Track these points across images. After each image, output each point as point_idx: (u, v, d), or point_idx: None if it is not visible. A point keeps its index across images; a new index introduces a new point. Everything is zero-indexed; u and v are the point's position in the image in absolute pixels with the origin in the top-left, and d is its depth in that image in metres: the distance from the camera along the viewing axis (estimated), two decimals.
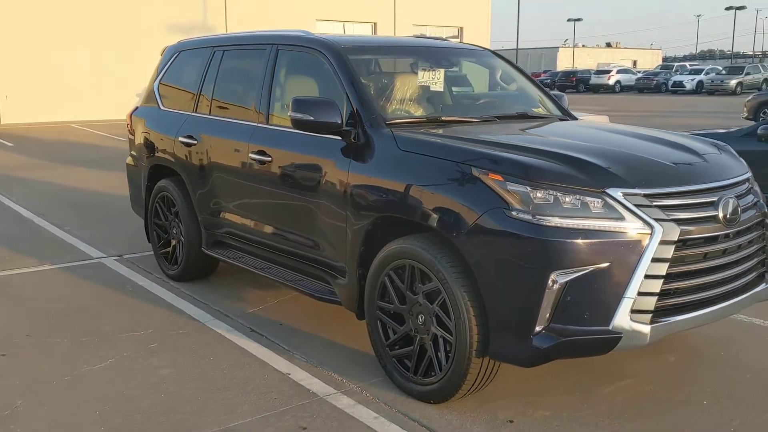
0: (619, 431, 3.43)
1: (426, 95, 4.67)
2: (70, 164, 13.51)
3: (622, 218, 3.17)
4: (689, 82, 44.20)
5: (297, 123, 4.13)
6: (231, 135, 5.07)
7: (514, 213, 3.19)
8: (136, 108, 6.49)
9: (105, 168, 12.80)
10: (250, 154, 4.76)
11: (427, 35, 4.67)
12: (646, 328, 3.17)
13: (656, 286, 3.17)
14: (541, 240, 3.11)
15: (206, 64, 5.57)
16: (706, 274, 3.37)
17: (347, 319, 4.77)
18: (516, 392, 3.80)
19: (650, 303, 3.18)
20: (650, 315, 3.18)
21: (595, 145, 3.74)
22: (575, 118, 4.90)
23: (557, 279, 3.12)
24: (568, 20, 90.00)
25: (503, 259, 3.22)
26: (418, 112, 4.50)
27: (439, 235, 3.54)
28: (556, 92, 5.23)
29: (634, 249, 3.15)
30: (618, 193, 3.20)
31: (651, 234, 3.16)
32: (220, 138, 5.17)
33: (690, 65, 55.36)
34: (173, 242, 5.87)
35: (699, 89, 43.17)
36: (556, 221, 3.13)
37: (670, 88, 45.35)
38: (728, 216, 3.40)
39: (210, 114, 5.42)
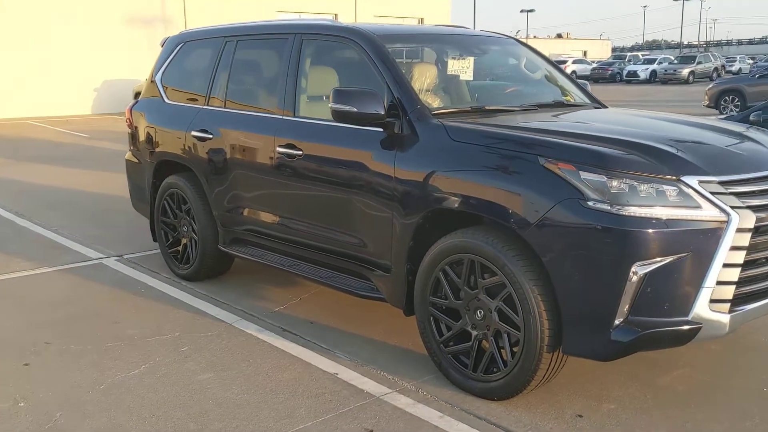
0: (691, 421, 3.38)
1: (458, 84, 4.57)
2: (35, 162, 13.03)
3: (698, 206, 3.11)
4: (643, 71, 45.03)
5: (339, 115, 3.98)
6: (253, 129, 4.88)
7: (590, 203, 3.11)
8: (136, 101, 6.24)
9: (72, 165, 12.40)
10: (278, 148, 4.59)
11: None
12: (725, 318, 3.13)
13: (734, 274, 3.13)
14: (621, 230, 3.04)
15: (217, 55, 5.36)
16: None
17: (380, 314, 4.70)
18: (575, 385, 3.74)
19: (729, 292, 3.14)
20: (729, 304, 3.14)
21: (660, 132, 3.68)
22: (605, 106, 4.85)
23: (637, 270, 3.05)
24: (521, 11, 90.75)
25: (580, 251, 3.14)
26: (454, 101, 4.39)
27: (504, 228, 3.44)
28: (581, 80, 5.18)
29: (712, 238, 3.10)
30: (694, 180, 3.15)
31: (728, 222, 3.11)
32: (241, 132, 4.98)
33: (642, 55, 56.40)
34: (184, 241, 5.66)
35: (653, 78, 44.02)
36: (634, 211, 3.06)
37: (624, 77, 46.13)
38: None
39: (225, 107, 5.22)
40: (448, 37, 5.00)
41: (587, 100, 4.83)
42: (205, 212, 5.36)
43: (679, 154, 3.27)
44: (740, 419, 3.40)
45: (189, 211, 5.53)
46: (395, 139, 3.94)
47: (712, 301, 3.12)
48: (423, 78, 4.39)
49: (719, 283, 3.11)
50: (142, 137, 6.00)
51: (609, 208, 3.07)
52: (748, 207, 3.18)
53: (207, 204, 5.34)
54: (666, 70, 43.39)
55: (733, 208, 3.14)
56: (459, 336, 3.73)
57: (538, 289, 3.29)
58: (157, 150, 5.79)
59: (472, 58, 4.68)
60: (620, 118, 4.34)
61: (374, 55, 4.19)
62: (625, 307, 3.10)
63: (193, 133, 5.32)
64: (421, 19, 34.95)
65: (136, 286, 5.58)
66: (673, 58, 48.71)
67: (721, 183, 3.19)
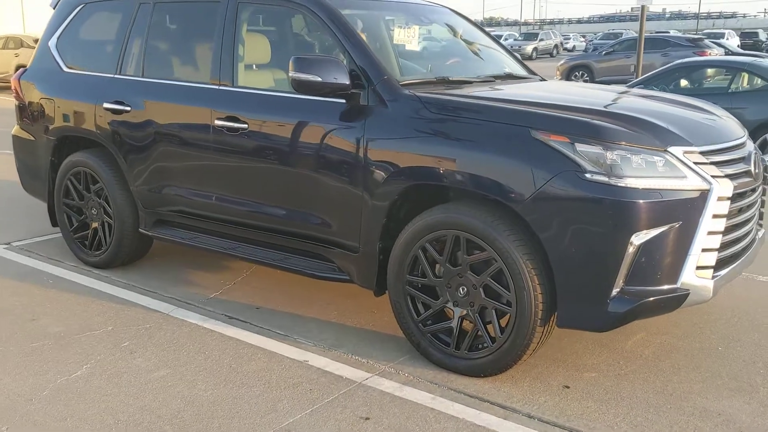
0: (669, 384, 3.50)
1: (407, 54, 4.42)
2: None
3: (684, 176, 3.18)
4: None
5: (301, 84, 3.71)
6: (182, 100, 4.48)
7: (587, 175, 3.09)
8: (24, 70, 5.55)
9: None
10: (216, 121, 4.24)
11: None
12: (710, 283, 3.24)
13: (716, 241, 3.24)
14: (621, 201, 3.05)
15: (131, 20, 4.86)
16: (741, 228, 3.51)
17: (328, 295, 4.59)
18: (549, 356, 3.76)
19: (712, 258, 3.25)
20: (711, 270, 3.26)
21: (634, 104, 3.74)
22: (544, 79, 4.88)
23: (634, 241, 3.08)
24: None
25: (579, 224, 3.12)
26: (411, 72, 4.24)
27: (493, 202, 3.36)
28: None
29: (697, 206, 3.19)
30: (679, 151, 3.21)
31: (710, 190, 3.21)
32: (167, 103, 4.56)
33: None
34: (94, 225, 5.13)
35: None
36: (631, 182, 3.08)
37: None
38: (755, 170, 3.56)
39: (144, 77, 4.75)
40: (393, 4, 4.82)
41: (528, 73, 4.84)
42: (122, 192, 4.88)
43: (663, 125, 3.32)
44: (711, 378, 3.56)
45: (100, 192, 5.02)
46: (361, 111, 3.74)
47: (697, 267, 3.22)
48: (374, 47, 4.20)
49: (704, 250, 3.21)
50: (35, 110, 5.36)
51: (607, 179, 3.07)
52: (726, 176, 3.30)
53: (124, 183, 4.87)
54: (512, 47, 45.22)
55: (713, 177, 3.24)
56: (437, 315, 3.63)
57: (532, 263, 3.25)
58: (56, 125, 5.20)
59: (417, 27, 4.53)
60: (585, 91, 4.39)
61: (331, 21, 3.95)
62: (621, 277, 3.12)
63: (106, 105, 4.81)
64: None
65: (41, 276, 5.01)
66: (517, 34, 50.83)
67: (702, 153, 3.29)
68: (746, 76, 8.29)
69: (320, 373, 3.60)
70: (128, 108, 4.70)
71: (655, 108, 3.74)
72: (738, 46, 33.78)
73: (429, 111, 3.55)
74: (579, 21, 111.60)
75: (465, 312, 3.51)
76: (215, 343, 3.95)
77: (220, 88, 4.30)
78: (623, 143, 3.15)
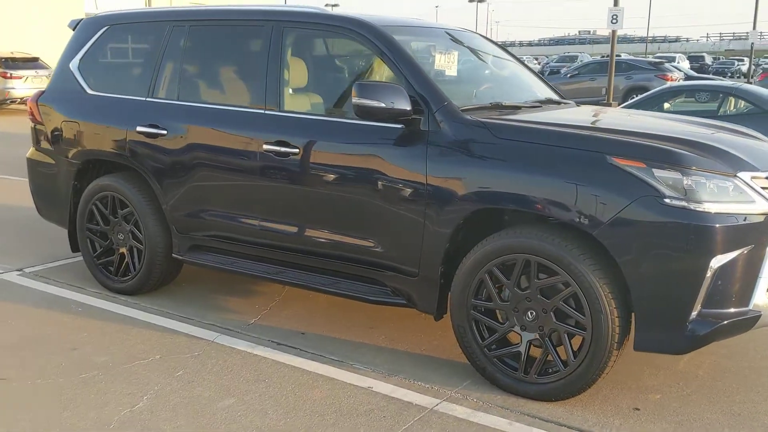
0: (735, 404, 3.57)
1: (446, 80, 4.46)
2: None
3: (753, 201, 3.28)
4: None
5: (363, 110, 3.72)
6: (225, 124, 4.43)
7: (667, 200, 3.16)
8: (42, 92, 5.42)
9: None
10: (264, 146, 4.20)
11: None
12: None
13: None
14: (702, 226, 3.12)
15: (163, 42, 4.80)
16: None
17: (370, 319, 4.64)
18: (610, 378, 3.79)
19: None
20: None
21: (693, 130, 3.83)
22: (578, 104, 4.97)
23: (713, 264, 3.15)
24: (326, 5, 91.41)
25: (659, 248, 3.18)
26: (463, 97, 4.27)
27: (566, 227, 3.40)
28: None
29: (765, 230, 3.28)
30: (747, 176, 3.31)
31: None
32: (208, 128, 4.50)
33: None
34: (122, 250, 5.01)
35: None
36: (708, 207, 3.16)
37: None
38: None
39: (180, 100, 4.69)
40: (429, 30, 4.85)
41: (560, 97, 4.92)
42: (155, 217, 4.79)
43: (731, 151, 3.42)
44: None
45: (129, 217, 4.91)
46: (421, 137, 3.75)
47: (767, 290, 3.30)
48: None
49: None
50: (55, 134, 5.22)
51: (686, 204, 3.14)
52: None
53: (157, 208, 4.77)
54: None
55: None
56: (501, 339, 3.64)
57: (608, 287, 3.29)
58: (80, 148, 5.08)
59: (456, 53, 4.58)
60: (640, 118, 4.49)
61: (386, 47, 3.96)
62: (700, 301, 3.19)
63: (139, 128, 4.72)
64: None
65: (67, 304, 4.86)
66: None
67: (767, 178, 3.39)
68: (733, 100, 8.58)
69: (388, 399, 3.58)
70: (164, 132, 4.62)
71: (714, 134, 3.84)
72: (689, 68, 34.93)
73: (496, 136, 3.58)
74: (530, 44, 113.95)
75: (534, 336, 3.53)
76: (271, 370, 3.89)
77: (267, 112, 4.26)
78: (697, 169, 3.23)
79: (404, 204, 3.79)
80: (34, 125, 5.42)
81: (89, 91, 5.12)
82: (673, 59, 39.07)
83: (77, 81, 5.19)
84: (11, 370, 3.86)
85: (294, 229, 4.23)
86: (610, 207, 3.24)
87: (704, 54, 59.27)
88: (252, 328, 4.48)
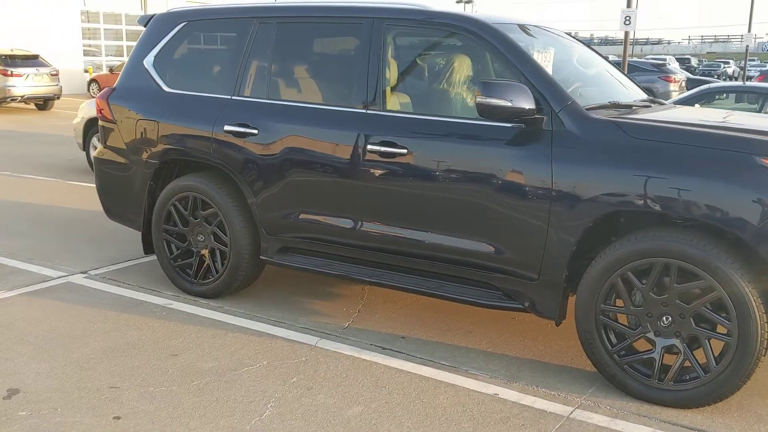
0: None
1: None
2: None
3: None
4: None
5: (488, 109, 3.62)
6: (324, 123, 4.31)
7: None
8: (113, 90, 5.27)
9: None
10: (369, 147, 4.09)
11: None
12: None
13: None
14: None
15: (248, 39, 4.67)
16: None
17: (460, 321, 4.59)
18: None
19: None
20: None
21: None
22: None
23: None
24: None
25: None
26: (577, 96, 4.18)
27: (707, 229, 3.33)
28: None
29: None
30: None
31: None
32: (304, 127, 4.37)
33: None
34: (204, 252, 4.87)
35: None
36: None
37: None
38: None
39: (270, 98, 4.56)
40: (532, 29, 4.75)
41: (656, 97, 4.84)
42: (242, 218, 4.65)
43: None
44: None
45: (211, 218, 4.77)
46: (545, 137, 3.66)
47: None
48: None
49: None
50: (130, 133, 5.07)
51: None
52: None
53: (244, 209, 4.64)
54: None
55: None
56: (629, 345, 3.57)
57: (757, 291, 3.22)
58: (158, 148, 4.92)
59: (552, 50, 4.49)
60: (757, 117, 4.43)
61: (504, 46, 3.87)
62: None
63: (227, 127, 4.59)
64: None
65: (148, 308, 4.72)
66: None
67: None
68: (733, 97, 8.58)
69: (519, 407, 3.48)
70: (254, 131, 4.49)
71: None
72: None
73: (629, 136, 3.50)
74: None
75: (670, 342, 3.45)
76: (387, 376, 3.78)
77: (370, 112, 4.15)
78: None
79: (526, 206, 3.69)
80: (104, 124, 5.26)
81: (166, 89, 4.98)
82: (664, 61, 39.36)
83: (153, 78, 5.04)
84: (116, 378, 3.72)
85: (397, 231, 4.12)
86: (763, 209, 3.16)
87: (689, 56, 59.75)
88: (349, 331, 4.37)
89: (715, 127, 3.59)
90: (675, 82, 22.39)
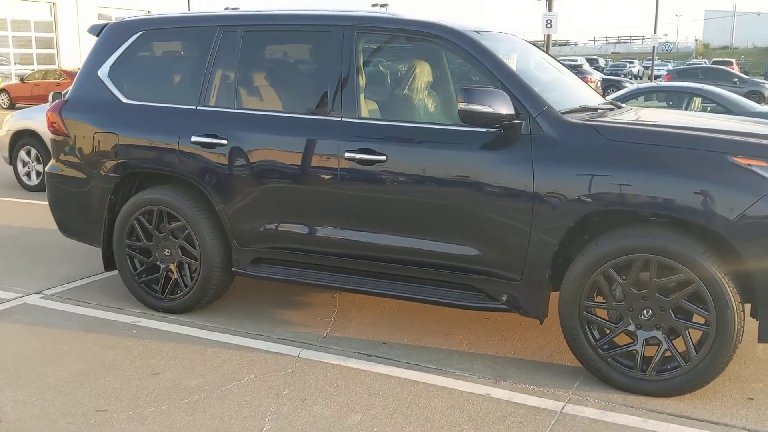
0: None
1: None
2: None
3: None
4: None
5: (470, 115, 3.70)
6: (298, 133, 4.29)
7: None
8: (65, 102, 5.08)
9: None
10: (347, 154, 4.10)
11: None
12: None
13: None
14: None
15: (211, 47, 4.60)
16: None
17: (436, 324, 4.60)
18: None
19: None
20: None
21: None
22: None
23: None
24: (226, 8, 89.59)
25: None
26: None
27: (683, 225, 3.50)
28: None
29: None
30: None
31: None
32: (277, 136, 4.34)
33: None
34: (171, 267, 4.76)
35: None
36: None
37: None
38: None
39: (238, 108, 4.51)
40: (493, 34, 4.86)
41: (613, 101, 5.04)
42: (213, 230, 4.58)
43: None
44: None
45: (177, 232, 4.67)
46: (524, 141, 3.77)
47: None
48: None
49: None
50: (87, 146, 4.90)
51: None
52: None
53: (214, 221, 4.56)
54: None
55: None
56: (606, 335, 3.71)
57: (733, 282, 3.41)
58: (119, 161, 4.78)
59: (516, 56, 4.62)
60: (719, 118, 4.66)
61: (478, 53, 3.96)
62: None
63: (195, 138, 4.50)
64: (149, 12, 32.98)
65: (116, 327, 4.58)
66: None
67: None
68: (698, 100, 9.05)
69: (513, 405, 3.57)
70: (224, 141, 4.43)
71: None
72: None
73: (609, 139, 3.64)
74: None
75: (650, 334, 3.60)
76: (377, 382, 3.80)
77: (346, 120, 4.16)
78: None
79: (508, 209, 3.78)
80: (57, 138, 5.07)
81: (125, 100, 4.84)
82: (578, 62, 40.74)
83: (109, 90, 4.89)
84: (102, 401, 3.61)
85: (377, 237, 4.15)
86: (737, 204, 3.35)
87: (596, 57, 61.98)
88: (329, 340, 4.37)
89: (688, 129, 3.77)
90: (592, 82, 23.25)
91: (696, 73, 23.25)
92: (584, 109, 4.16)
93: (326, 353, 4.17)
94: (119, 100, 4.85)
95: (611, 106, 4.53)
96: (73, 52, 29.95)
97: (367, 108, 4.25)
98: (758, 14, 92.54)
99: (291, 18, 4.51)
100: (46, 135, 9.01)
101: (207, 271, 4.61)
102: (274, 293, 5.15)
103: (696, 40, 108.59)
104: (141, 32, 4.91)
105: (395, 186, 4.04)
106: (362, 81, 4.26)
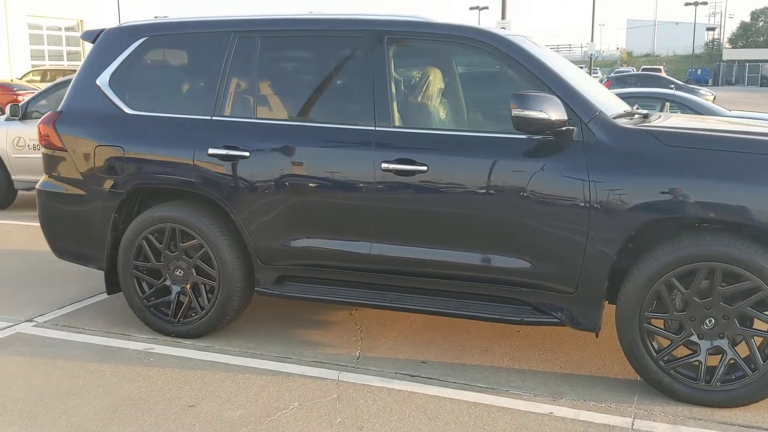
0: None
1: None
2: None
3: None
4: None
5: (525, 121, 3.55)
6: (330, 144, 4.07)
7: None
8: (59, 114, 4.70)
9: None
10: (384, 165, 3.90)
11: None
12: None
13: None
14: None
15: (225, 54, 4.33)
16: None
17: (472, 340, 4.43)
18: None
19: None
20: None
21: None
22: None
23: None
24: (156, 17, 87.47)
25: None
26: None
27: (747, 230, 3.45)
28: None
29: None
30: None
31: None
32: (306, 147, 4.11)
33: None
34: (186, 288, 4.44)
35: None
36: None
37: None
38: None
39: (260, 118, 4.26)
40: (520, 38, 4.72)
41: None
42: (233, 248, 4.29)
43: None
44: None
45: (193, 250, 4.37)
46: (578, 148, 3.65)
47: None
48: None
49: None
50: (87, 161, 4.54)
51: None
52: None
53: (235, 238, 4.28)
54: None
55: None
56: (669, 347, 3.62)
57: None
58: (125, 176, 4.44)
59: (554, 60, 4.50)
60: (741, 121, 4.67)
61: (524, 59, 3.82)
62: None
63: (213, 150, 4.22)
64: (81, 21, 31.91)
65: (130, 355, 4.25)
66: None
67: None
68: (668, 105, 9.17)
69: (582, 423, 3.43)
70: (246, 153, 4.16)
71: None
72: None
73: (665, 144, 3.55)
74: None
75: (713, 345, 3.53)
76: (432, 405, 3.61)
77: (380, 129, 3.96)
78: None
79: (562, 219, 3.65)
80: (50, 152, 4.70)
81: (129, 111, 4.51)
82: None
83: (110, 100, 4.55)
84: None
85: (416, 252, 3.95)
86: None
87: None
88: (365, 361, 4.14)
89: (743, 133, 3.72)
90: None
91: (633, 80, 23.80)
92: (629, 114, 4.07)
93: (367, 375, 3.94)
94: (123, 111, 4.52)
95: (647, 112, 4.45)
96: (2, 61, 28.66)
97: (405, 117, 4.06)
98: (677, 23, 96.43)
99: (316, 23, 4.28)
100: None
101: (227, 291, 4.32)
102: (287, 312, 4.88)
103: (618, 48, 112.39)
104: (144, 38, 4.59)
105: (438, 197, 3.86)
106: (395, 89, 4.06)
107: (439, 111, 4.23)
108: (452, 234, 3.87)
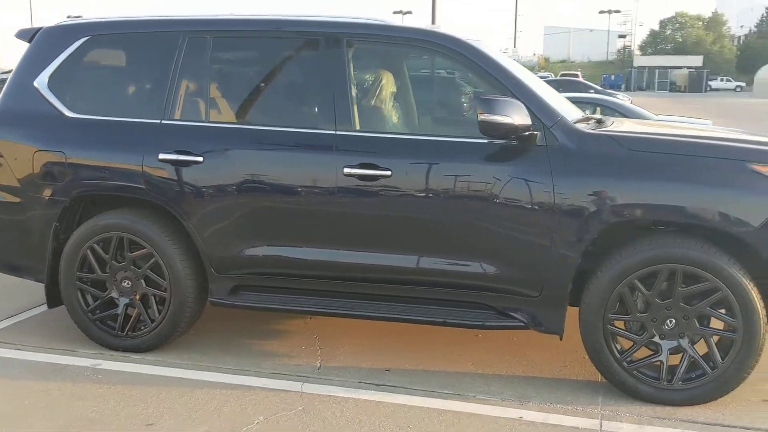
0: None
1: None
2: None
3: None
4: None
5: (491, 126, 3.55)
6: (286, 148, 3.96)
7: None
8: None
9: None
10: (346, 170, 3.82)
11: None
12: None
13: None
14: None
15: (175, 55, 4.16)
16: None
17: (431, 345, 4.38)
18: None
19: None
20: None
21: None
22: None
23: None
24: (68, 16, 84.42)
25: None
26: None
27: (705, 233, 3.53)
28: None
29: None
30: None
31: None
32: (262, 152, 3.99)
33: None
34: (135, 299, 4.24)
35: None
36: None
37: None
38: None
39: (212, 121, 4.11)
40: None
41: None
42: (185, 258, 4.12)
43: None
44: None
45: (142, 260, 4.17)
46: (541, 153, 3.66)
47: None
48: None
49: None
50: (24, 167, 4.27)
51: None
52: None
53: (187, 247, 4.11)
54: None
55: None
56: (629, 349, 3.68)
57: (758, 288, 3.46)
58: (67, 183, 4.20)
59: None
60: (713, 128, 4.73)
61: (485, 63, 3.81)
62: None
63: (163, 156, 4.04)
64: None
65: (77, 372, 4.02)
66: None
67: None
68: (599, 110, 9.42)
69: (553, 427, 3.44)
70: (199, 159, 4.01)
71: None
72: None
73: (629, 149, 3.60)
74: None
75: (674, 344, 3.60)
76: (400, 414, 3.55)
77: (341, 133, 3.88)
78: None
79: (526, 223, 3.66)
80: None
81: (70, 114, 4.27)
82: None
83: (50, 103, 4.30)
84: None
85: (380, 258, 3.89)
86: (760, 211, 3.41)
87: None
88: (326, 371, 4.05)
89: (704, 138, 3.81)
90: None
91: (554, 85, 24.45)
92: (586, 120, 4.12)
93: (330, 385, 3.85)
94: (63, 114, 4.27)
95: (605, 118, 4.52)
96: None
97: (365, 121, 3.99)
98: (591, 30, 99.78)
99: (274, 24, 4.16)
100: None
101: (178, 302, 4.14)
102: (239, 322, 4.73)
103: (534, 54, 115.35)
104: (86, 38, 4.36)
105: (402, 202, 3.81)
106: (355, 92, 3.99)
107: (401, 114, 4.18)
108: (416, 239, 3.83)
